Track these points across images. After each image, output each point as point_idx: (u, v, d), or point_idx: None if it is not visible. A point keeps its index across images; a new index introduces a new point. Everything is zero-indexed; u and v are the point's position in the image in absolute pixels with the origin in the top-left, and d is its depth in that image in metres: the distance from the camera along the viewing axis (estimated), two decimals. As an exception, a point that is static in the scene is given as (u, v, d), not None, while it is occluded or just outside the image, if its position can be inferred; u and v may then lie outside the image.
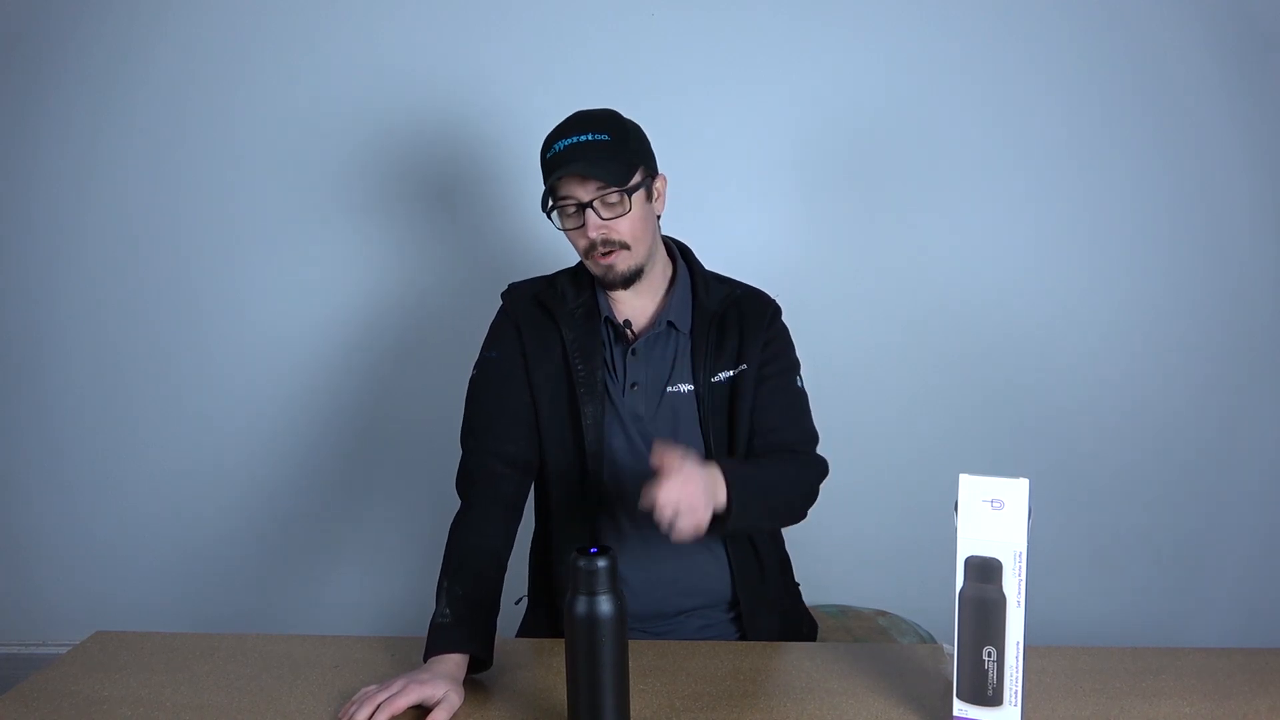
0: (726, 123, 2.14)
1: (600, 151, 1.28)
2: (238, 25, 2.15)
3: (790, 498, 1.36)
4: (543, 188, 1.32)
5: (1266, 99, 2.12)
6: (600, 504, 1.37)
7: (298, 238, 2.21)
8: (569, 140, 1.29)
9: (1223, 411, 2.21)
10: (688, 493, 1.11)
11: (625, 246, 1.31)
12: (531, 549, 1.48)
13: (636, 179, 1.31)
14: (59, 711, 1.11)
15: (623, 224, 1.30)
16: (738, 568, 1.39)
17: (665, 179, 1.39)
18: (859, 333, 2.20)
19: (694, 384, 1.37)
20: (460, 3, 2.13)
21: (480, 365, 1.42)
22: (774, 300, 1.46)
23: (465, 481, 1.36)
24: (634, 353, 1.37)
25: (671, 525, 1.11)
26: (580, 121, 1.33)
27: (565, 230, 1.34)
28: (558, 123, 1.34)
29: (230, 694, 1.15)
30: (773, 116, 2.15)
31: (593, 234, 1.30)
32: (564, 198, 1.31)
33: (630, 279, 1.34)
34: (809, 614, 1.53)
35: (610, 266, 1.32)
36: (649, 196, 1.35)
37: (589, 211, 1.29)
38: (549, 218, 1.35)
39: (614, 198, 1.29)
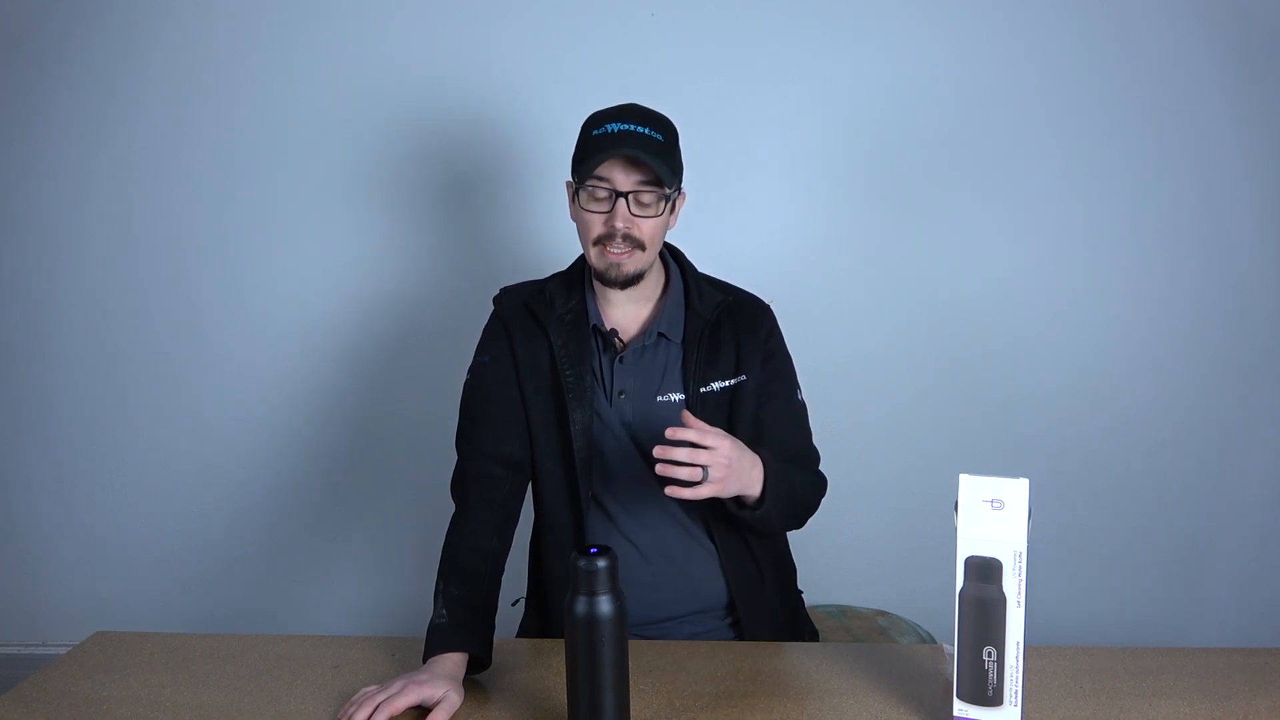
0: (726, 123, 2.14)
1: (653, 148, 1.27)
2: (238, 25, 2.15)
3: (807, 505, 1.37)
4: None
5: (1266, 99, 2.12)
6: (590, 508, 1.36)
7: (297, 239, 2.21)
8: (624, 126, 1.27)
9: (1223, 411, 2.21)
10: (733, 455, 1.11)
11: (641, 247, 1.30)
12: (529, 550, 1.48)
13: (673, 189, 1.32)
14: (59, 711, 1.11)
15: (647, 225, 1.29)
16: (733, 573, 1.37)
17: (685, 197, 1.38)
18: (859, 333, 2.20)
19: (685, 394, 1.36)
20: (459, 4, 2.13)
21: (473, 370, 1.41)
22: (768, 306, 1.46)
23: (459, 485, 1.35)
24: (621, 361, 1.36)
25: (692, 479, 1.08)
26: (637, 113, 1.31)
27: (585, 211, 1.30)
28: (608, 106, 1.32)
29: (230, 694, 1.15)
30: (773, 116, 2.15)
31: (619, 224, 1.27)
32: (601, 179, 1.28)
33: (630, 281, 1.33)
34: (810, 623, 1.51)
35: (619, 265, 1.30)
36: (671, 209, 1.34)
37: (620, 202, 1.27)
38: (571, 196, 1.33)
39: (649, 197, 1.28)
